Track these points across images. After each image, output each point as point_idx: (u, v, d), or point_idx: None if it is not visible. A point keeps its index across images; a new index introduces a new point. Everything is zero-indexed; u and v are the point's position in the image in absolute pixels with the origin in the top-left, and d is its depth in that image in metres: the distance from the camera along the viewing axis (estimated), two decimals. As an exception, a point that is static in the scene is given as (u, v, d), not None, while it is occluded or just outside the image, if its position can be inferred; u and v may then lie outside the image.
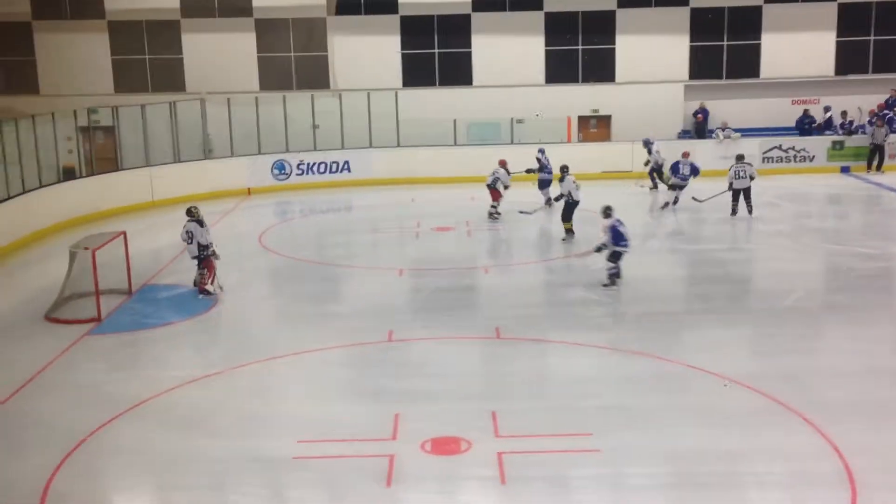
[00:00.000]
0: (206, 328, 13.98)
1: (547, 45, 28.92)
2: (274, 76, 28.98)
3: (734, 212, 20.34)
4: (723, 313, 14.00)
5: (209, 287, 15.04)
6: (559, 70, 29.01)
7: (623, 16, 28.73)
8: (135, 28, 28.69)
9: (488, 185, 20.94)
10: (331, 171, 26.62)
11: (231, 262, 17.77)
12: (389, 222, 22.25)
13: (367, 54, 28.78)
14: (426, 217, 21.52)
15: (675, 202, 21.55)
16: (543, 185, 22.22)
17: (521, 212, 20.14)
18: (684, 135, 28.38)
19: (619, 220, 14.86)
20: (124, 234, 15.39)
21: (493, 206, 20.86)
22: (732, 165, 20.48)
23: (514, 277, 16.46)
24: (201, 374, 11.71)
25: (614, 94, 28.92)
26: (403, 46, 28.87)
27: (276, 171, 26.20)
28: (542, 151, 22.72)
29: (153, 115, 24.75)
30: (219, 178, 24.61)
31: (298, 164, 26.16)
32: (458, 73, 28.99)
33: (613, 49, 28.93)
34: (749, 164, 20.50)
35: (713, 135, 27.56)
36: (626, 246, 14.83)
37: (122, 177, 23.69)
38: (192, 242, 14.96)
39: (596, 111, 29.04)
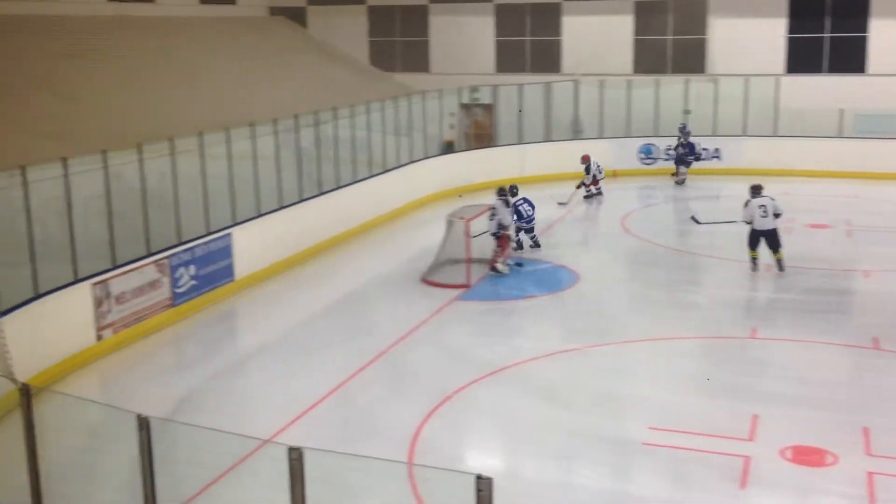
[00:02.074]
0: (564, 304, 14.37)
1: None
2: (649, 59, 28.72)
3: (755, 265, 15.23)
4: None
5: (499, 265, 15.39)
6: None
7: None
8: (519, 11, 29.90)
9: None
10: (699, 158, 25.92)
11: (592, 242, 18.13)
12: (758, 215, 21.25)
13: (748, 38, 27.46)
14: (800, 212, 20.22)
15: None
16: None
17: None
18: None
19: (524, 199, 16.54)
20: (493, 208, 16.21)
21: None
22: (749, 200, 15.12)
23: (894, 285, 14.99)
24: (559, 349, 12.08)
25: None
26: (790, 30, 27.18)
27: (642, 155, 26.08)
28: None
29: (529, 94, 25.74)
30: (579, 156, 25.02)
31: (666, 149, 25.81)
32: (849, 58, 26.70)
33: None
34: (772, 197, 15.12)
35: None
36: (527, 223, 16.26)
37: (496, 152, 24.93)
38: (493, 219, 15.37)
39: None
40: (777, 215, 14.95)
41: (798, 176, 24.41)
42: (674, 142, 24.59)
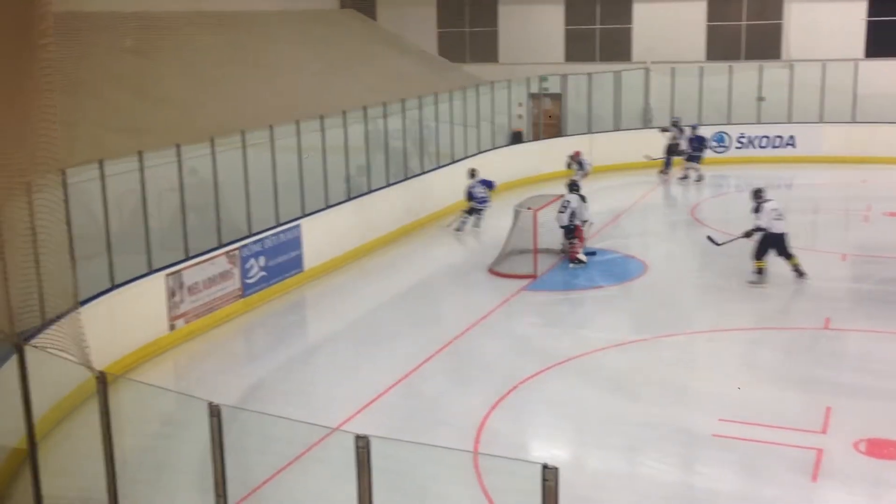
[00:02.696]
0: (633, 295, 14.23)
1: None
2: (722, 45, 28.13)
3: (761, 278, 14.01)
4: None
5: (580, 256, 15.25)
6: None
7: None
8: (588, -1, 29.63)
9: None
10: (773, 146, 25.36)
11: (662, 231, 17.89)
12: (835, 203, 20.69)
13: (826, 21, 26.68)
14: (878, 200, 19.65)
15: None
16: None
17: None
18: None
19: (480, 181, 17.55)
20: (563, 197, 16.12)
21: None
22: (761, 202, 13.92)
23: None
24: (627, 340, 11.98)
25: None
26: (871, 13, 26.31)
27: (714, 143, 25.60)
28: None
29: (598, 83, 25.49)
30: (655, 148, 24.67)
31: (739, 138, 25.30)
32: (934, 41, 25.76)
33: None
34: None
35: None
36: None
37: (564, 142, 24.74)
38: (564, 212, 15.25)
39: None
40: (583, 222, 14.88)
41: (876, 163, 23.71)
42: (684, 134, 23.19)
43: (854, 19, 26.34)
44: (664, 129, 22.95)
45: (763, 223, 13.84)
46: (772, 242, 13.87)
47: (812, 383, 10.39)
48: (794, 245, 14.07)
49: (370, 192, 17.17)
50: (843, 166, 23.76)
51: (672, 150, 22.60)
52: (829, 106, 25.05)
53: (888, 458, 8.50)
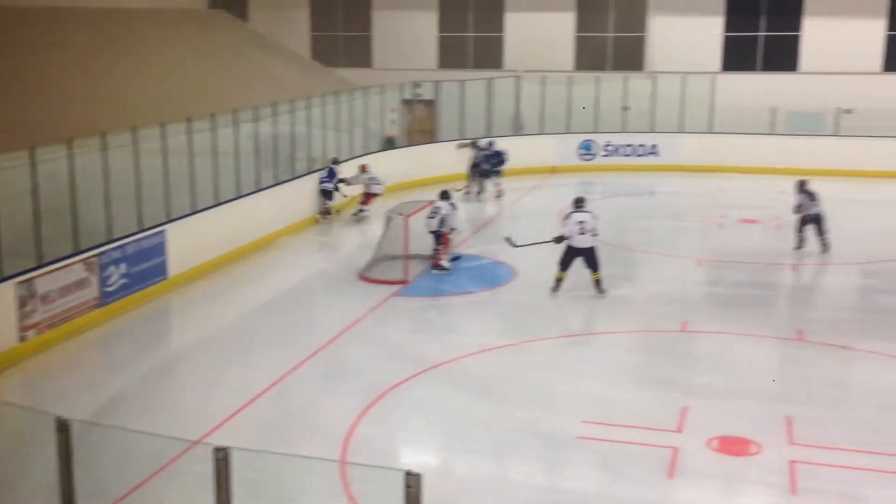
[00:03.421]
0: (502, 300, 14.45)
1: (890, 28, 26.36)
2: (590, 56, 29.01)
3: (558, 287, 14.14)
4: None
5: (444, 263, 15.47)
6: (900, 58, 26.37)
7: None
8: (462, 6, 29.95)
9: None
10: (637, 154, 26.30)
11: (531, 238, 18.22)
12: (693, 210, 21.60)
13: (686, 36, 27.89)
14: (733, 207, 20.66)
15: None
16: None
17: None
18: None
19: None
20: (434, 203, 16.25)
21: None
22: (570, 213, 14.09)
23: (825, 278, 15.40)
24: (495, 345, 12.16)
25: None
26: (727, 28, 27.66)
27: (581, 151, 26.35)
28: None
29: (471, 90, 25.82)
30: (526, 155, 25.17)
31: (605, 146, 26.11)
32: (783, 57, 27.28)
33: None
34: (594, 214, 14.01)
35: None
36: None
37: (438, 148, 24.96)
38: (434, 218, 15.42)
39: (941, 103, 26.13)
40: (595, 235, 13.84)
41: (732, 172, 24.94)
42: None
43: (711, 34, 27.65)
44: (462, 146, 22.87)
45: (565, 232, 13.86)
46: (574, 254, 13.85)
47: (669, 384, 10.81)
48: (653, 251, 14.60)
49: (239, 197, 16.85)
50: (701, 175, 24.85)
51: (475, 167, 22.15)
52: (688, 117, 26.20)
53: (739, 455, 8.92)
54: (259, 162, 17.71)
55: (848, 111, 25.37)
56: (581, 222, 13.72)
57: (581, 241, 13.71)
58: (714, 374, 11.14)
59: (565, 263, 13.94)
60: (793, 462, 8.67)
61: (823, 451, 8.95)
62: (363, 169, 19.90)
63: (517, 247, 14.91)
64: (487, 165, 21.97)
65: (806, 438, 9.17)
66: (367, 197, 19.70)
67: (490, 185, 21.86)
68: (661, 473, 8.58)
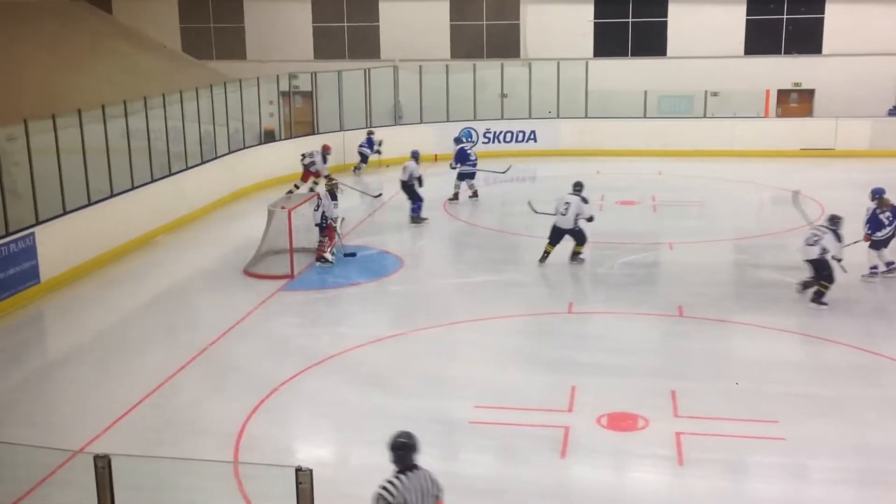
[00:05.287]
0: (390, 290, 14.42)
1: (749, 14, 27.57)
2: (466, 44, 29.23)
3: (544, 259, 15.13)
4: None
5: (327, 255, 15.40)
6: (760, 41, 27.61)
7: (834, -18, 26.97)
8: (335, -4, 29.69)
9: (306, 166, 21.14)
10: (517, 141, 26.68)
11: (416, 227, 18.29)
12: (573, 194, 22.05)
13: (559, 23, 28.46)
14: (611, 190, 21.20)
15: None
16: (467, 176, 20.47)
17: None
18: (895, 111, 26.47)
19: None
20: (318, 195, 16.08)
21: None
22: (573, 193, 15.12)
23: (701, 255, 15.97)
24: (385, 335, 12.13)
25: (820, 66, 27.26)
26: (597, 15, 28.34)
27: (462, 139, 26.51)
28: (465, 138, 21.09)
29: (349, 81, 25.63)
30: (408, 144, 25.18)
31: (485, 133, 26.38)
32: (651, 43, 28.17)
33: (822, 18, 27.22)
34: (584, 198, 15.00)
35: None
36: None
37: (317, 140, 24.66)
38: (318, 210, 15.35)
39: (798, 85, 27.53)
40: (589, 219, 14.86)
41: (608, 155, 25.60)
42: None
43: (582, 21, 28.28)
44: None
45: (554, 210, 15.05)
46: (558, 231, 14.95)
47: (558, 365, 11.01)
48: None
49: (113, 196, 16.23)
50: (578, 159, 25.42)
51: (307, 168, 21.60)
52: (564, 102, 26.73)
53: (627, 430, 9.18)
54: (132, 159, 17.08)
55: (714, 94, 26.46)
56: (567, 204, 14.76)
57: (562, 222, 14.84)
58: (601, 353, 11.42)
59: (553, 239, 15.01)
60: (679, 434, 8.97)
61: (707, 421, 9.30)
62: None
63: (537, 213, 15.71)
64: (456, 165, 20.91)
65: (690, 411, 9.51)
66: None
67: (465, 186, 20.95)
68: (554, 453, 8.73)
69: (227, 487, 7.96)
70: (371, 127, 25.21)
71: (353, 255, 15.82)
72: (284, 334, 12.55)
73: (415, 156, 18.90)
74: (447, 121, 26.44)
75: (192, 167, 19.29)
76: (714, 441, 8.93)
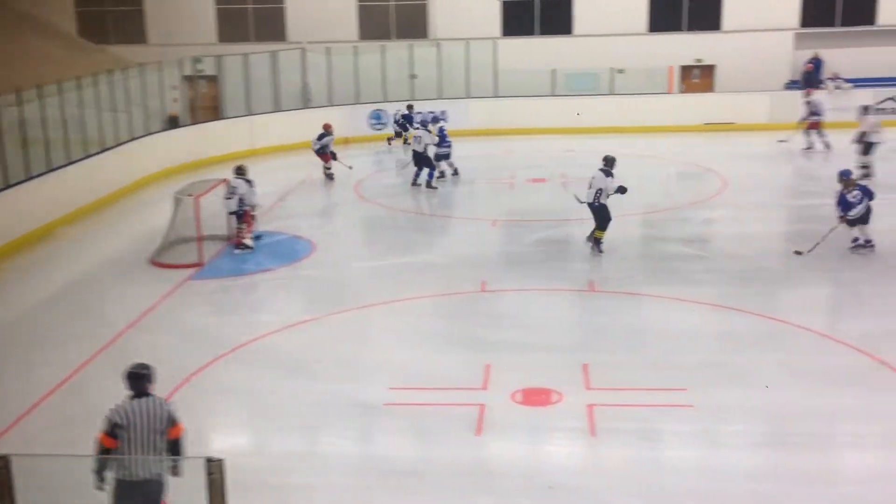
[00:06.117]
0: (303, 275, 14.26)
1: (651, -9, 28.04)
2: (374, 25, 28.99)
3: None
4: (830, 272, 13.52)
5: (247, 241, 15.18)
6: (662, 18, 28.11)
7: (731, -40, 27.63)
8: (238, -23, 29.05)
9: (316, 152, 20.76)
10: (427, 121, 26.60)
11: (328, 210, 18.14)
12: (484, 173, 22.14)
13: (466, 3, 28.46)
14: (521, 168, 21.38)
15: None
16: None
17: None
18: (792, 85, 27.31)
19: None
20: (226, 181, 15.76)
21: (327, 169, 20.73)
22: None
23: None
24: (299, 320, 11.99)
25: (720, 42, 27.92)
26: (505, -6, 28.42)
27: (373, 121, 26.38)
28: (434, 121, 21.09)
29: (255, 64, 25.16)
30: (317, 127, 24.91)
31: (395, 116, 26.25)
32: (558, 21, 28.41)
33: (721, -5, 27.86)
34: (610, 172, 14.39)
35: (823, 85, 26.44)
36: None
37: (224, 125, 24.23)
38: (232, 198, 15.07)
39: (700, 61, 28.14)
40: (620, 190, 14.30)
41: (518, 134, 25.80)
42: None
43: (490, 1, 28.32)
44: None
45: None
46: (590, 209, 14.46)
47: (473, 344, 11.06)
48: (451, 215, 14.86)
49: (6, 188, 15.60)
50: (489, 138, 25.54)
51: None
52: (473, 82, 26.79)
53: (541, 405, 9.28)
54: (27, 148, 16.45)
55: (620, 71, 26.86)
56: (593, 177, 14.35)
57: (586, 196, 14.42)
58: (514, 331, 11.51)
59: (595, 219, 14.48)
60: (591, 406, 9.11)
61: (619, 392, 9.48)
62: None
63: (581, 203, 14.77)
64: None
65: (602, 383, 9.67)
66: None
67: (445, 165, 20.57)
68: (470, 431, 8.78)
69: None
70: (282, 109, 24.81)
71: (259, 237, 15.58)
72: (195, 323, 12.29)
73: (424, 124, 20.24)
74: (356, 103, 26.23)
75: (91, 155, 18.68)
76: (626, 411, 9.11)
